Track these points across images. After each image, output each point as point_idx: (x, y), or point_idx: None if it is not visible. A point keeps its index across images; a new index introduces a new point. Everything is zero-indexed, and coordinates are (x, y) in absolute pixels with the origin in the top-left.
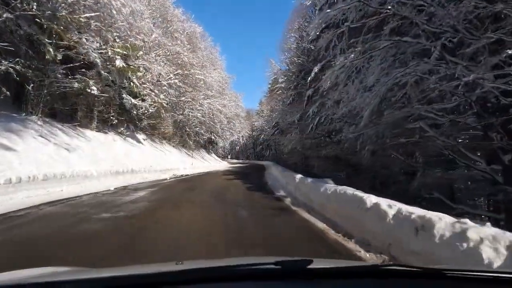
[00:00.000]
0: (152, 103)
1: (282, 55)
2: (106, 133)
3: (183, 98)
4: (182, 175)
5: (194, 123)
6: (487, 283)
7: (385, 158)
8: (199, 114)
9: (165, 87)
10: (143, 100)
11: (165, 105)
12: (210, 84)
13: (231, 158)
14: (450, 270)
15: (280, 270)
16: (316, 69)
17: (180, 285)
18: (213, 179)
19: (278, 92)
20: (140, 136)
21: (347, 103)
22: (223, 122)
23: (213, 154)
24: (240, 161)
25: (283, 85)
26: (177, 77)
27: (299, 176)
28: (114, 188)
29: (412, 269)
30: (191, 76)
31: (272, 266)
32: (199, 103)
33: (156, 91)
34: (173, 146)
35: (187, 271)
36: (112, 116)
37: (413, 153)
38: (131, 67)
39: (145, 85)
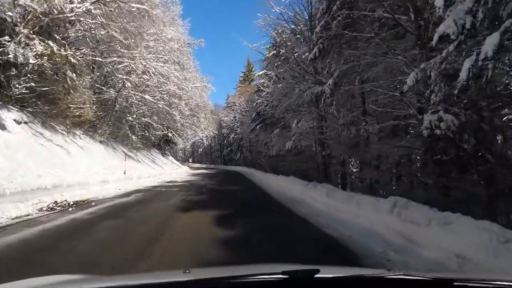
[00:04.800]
0: (42, 50)
1: None
2: None
3: (115, 58)
4: (61, 208)
5: (141, 110)
6: None
7: None
8: (148, 96)
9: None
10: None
11: (74, 61)
12: (162, 33)
13: (193, 162)
14: (460, 279)
15: (287, 280)
16: None
17: None
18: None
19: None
20: (10, 115)
21: None
22: (184, 112)
23: (170, 157)
24: (204, 165)
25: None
26: (96, 5)
27: None
28: None
29: (419, 277)
30: (126, 8)
31: (279, 276)
32: (143, 64)
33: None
34: (100, 141)
35: (197, 281)
36: None
37: None
38: None
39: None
